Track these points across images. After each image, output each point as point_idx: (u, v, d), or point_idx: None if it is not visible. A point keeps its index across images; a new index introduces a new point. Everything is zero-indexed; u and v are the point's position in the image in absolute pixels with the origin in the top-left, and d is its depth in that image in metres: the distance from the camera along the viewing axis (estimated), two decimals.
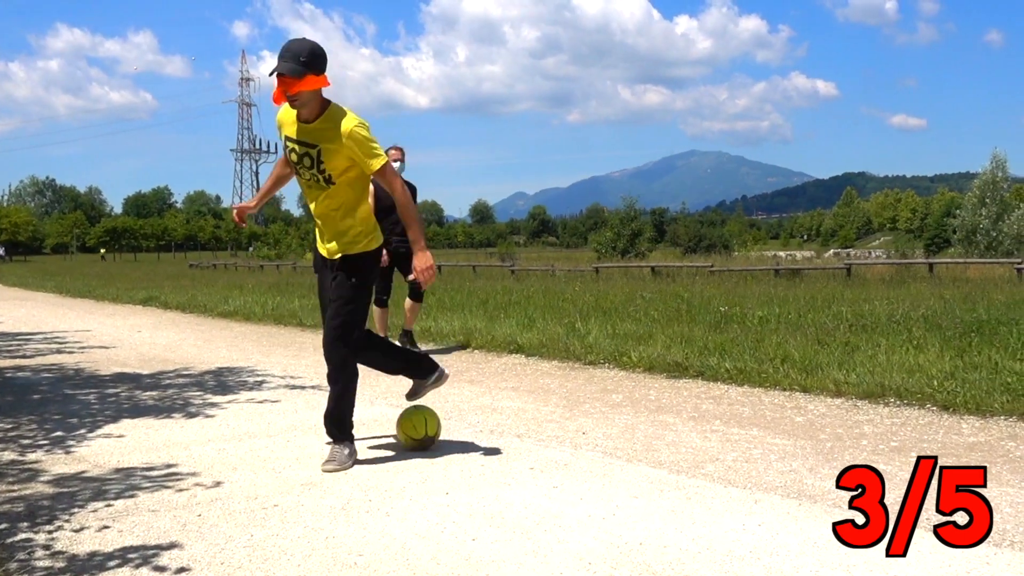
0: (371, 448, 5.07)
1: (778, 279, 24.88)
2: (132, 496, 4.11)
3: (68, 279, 29.96)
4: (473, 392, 6.88)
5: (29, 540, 3.50)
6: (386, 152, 7.57)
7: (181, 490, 4.22)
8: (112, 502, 4.01)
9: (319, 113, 4.41)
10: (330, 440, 4.77)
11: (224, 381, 7.52)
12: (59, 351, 9.87)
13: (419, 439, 4.98)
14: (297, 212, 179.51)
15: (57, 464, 4.76)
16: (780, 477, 4.31)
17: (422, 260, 4.57)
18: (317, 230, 4.73)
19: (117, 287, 22.63)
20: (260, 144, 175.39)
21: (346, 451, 4.64)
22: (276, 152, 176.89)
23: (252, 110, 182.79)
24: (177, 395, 6.87)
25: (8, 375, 8.06)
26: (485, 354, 9.14)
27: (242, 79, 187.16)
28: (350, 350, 4.67)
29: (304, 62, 4.24)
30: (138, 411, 6.25)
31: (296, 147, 4.48)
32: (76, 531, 3.61)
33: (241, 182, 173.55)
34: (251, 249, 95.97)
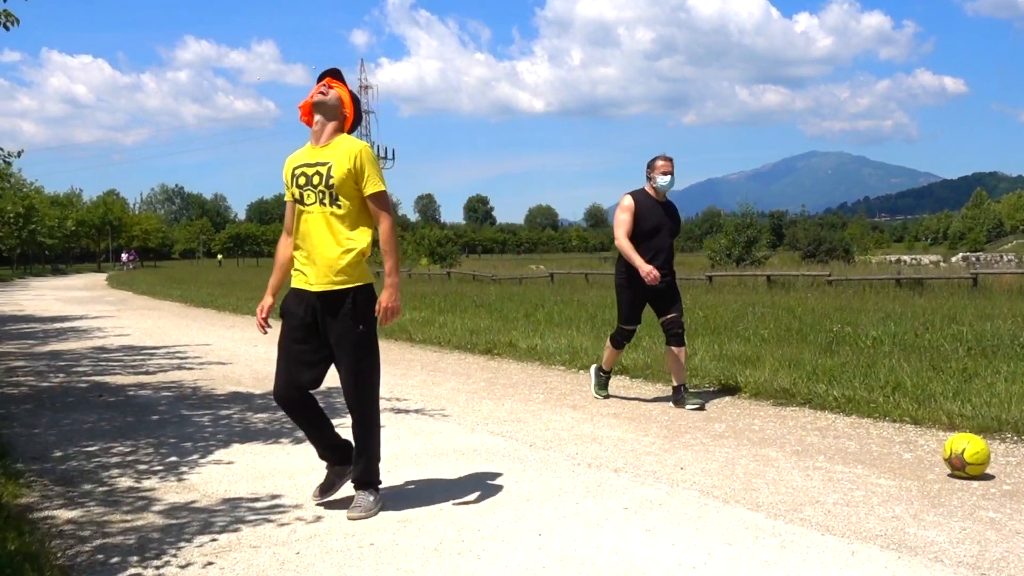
0: (468, 481, 5.12)
1: (899, 289, 24.13)
2: (236, 530, 4.25)
3: (192, 287, 31.04)
4: (575, 419, 6.89)
5: (137, 575, 3.67)
6: (655, 161, 7.29)
7: (283, 524, 4.35)
8: (217, 536, 4.16)
9: (334, 135, 4.49)
10: (356, 489, 4.60)
11: (331, 403, 7.68)
12: (179, 367, 10.25)
13: (947, 458, 5.06)
14: (413, 216, 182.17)
15: (170, 492, 4.96)
16: (881, 524, 4.20)
17: (388, 297, 4.44)
18: (305, 261, 4.47)
19: (237, 296, 23.33)
20: (379, 150, 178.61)
21: (372, 497, 4.52)
22: (394, 159, 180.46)
23: (371, 118, 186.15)
24: (285, 417, 7.05)
25: (131, 393, 8.42)
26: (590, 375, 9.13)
27: (361, 87, 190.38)
28: (375, 402, 4.65)
29: (342, 79, 4.61)
30: (248, 435, 6.46)
31: (306, 170, 4.44)
32: (182, 567, 3.77)
33: None
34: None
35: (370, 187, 4.40)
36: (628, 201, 7.15)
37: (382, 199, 4.46)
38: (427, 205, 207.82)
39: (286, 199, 4.67)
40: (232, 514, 4.53)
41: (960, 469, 4.97)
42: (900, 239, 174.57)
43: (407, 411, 7.28)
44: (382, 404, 7.52)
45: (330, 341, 4.42)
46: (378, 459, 4.66)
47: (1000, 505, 4.47)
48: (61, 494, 4.94)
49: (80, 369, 10.22)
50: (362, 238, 4.42)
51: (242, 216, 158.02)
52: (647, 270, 6.89)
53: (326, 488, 4.74)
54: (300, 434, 6.40)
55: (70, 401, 7.99)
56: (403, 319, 14.87)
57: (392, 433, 6.43)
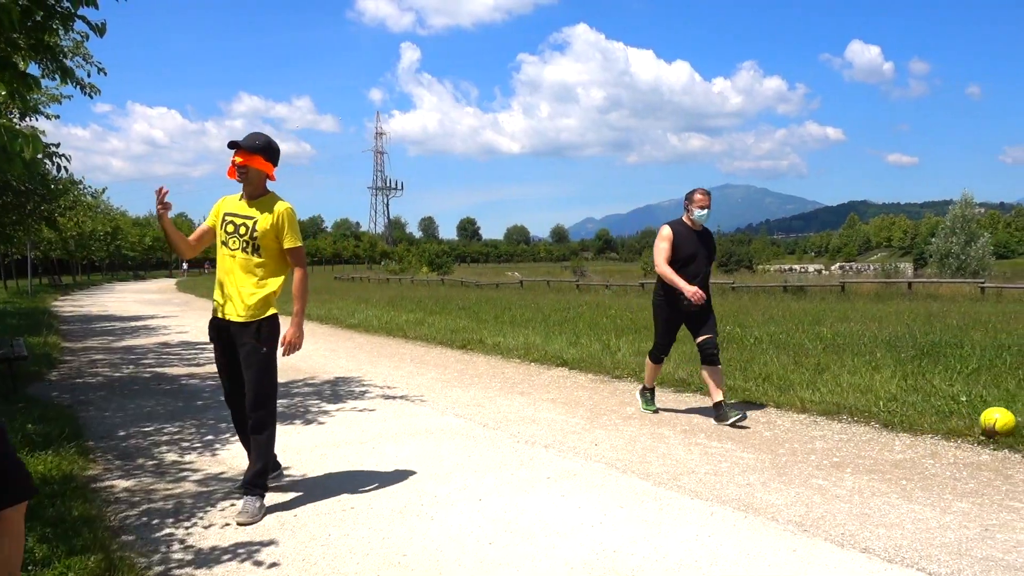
0: (433, 455, 5.20)
1: (785, 294, 24.37)
2: None
3: None
4: (521, 403, 6.98)
5: (171, 535, 3.74)
6: (693, 195, 6.27)
7: (286, 490, 4.43)
8: (236, 501, 4.23)
9: (262, 194, 4.20)
10: (245, 492, 4.09)
11: (337, 391, 7.76)
12: None
13: (984, 428, 5.18)
14: (418, 234, 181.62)
15: (205, 465, 5.03)
16: (738, 490, 4.32)
17: (291, 333, 4.21)
18: (224, 296, 4.17)
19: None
20: (390, 183, 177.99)
21: (257, 503, 4.03)
22: (403, 189, 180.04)
23: (385, 157, 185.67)
24: (301, 403, 7.12)
25: (183, 382, 8.44)
26: (538, 367, 9.21)
27: (377, 133, 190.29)
28: (271, 413, 4.23)
29: (258, 145, 4.11)
30: None
31: (235, 219, 4.13)
32: (206, 528, 3.85)
33: (376, 211, 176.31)
34: (382, 264, 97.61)
35: (287, 243, 4.15)
36: (667, 231, 6.25)
37: (297, 253, 4.20)
38: (428, 225, 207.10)
39: (206, 223, 4.31)
40: None
41: (992, 437, 5.13)
42: (792, 252, 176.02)
43: (394, 397, 7.34)
44: (376, 392, 7.66)
45: (240, 360, 4.13)
46: (270, 467, 4.25)
47: (828, 475, 4.60)
48: (120, 467, 5.00)
49: (146, 361, 10.20)
50: (274, 283, 4.19)
51: None
52: (692, 290, 5.98)
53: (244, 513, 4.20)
54: (310, 416, 6.50)
55: (135, 389, 8.01)
56: (400, 319, 14.90)
57: (379, 416, 6.50)
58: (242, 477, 4.66)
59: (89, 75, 9.27)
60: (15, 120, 14.31)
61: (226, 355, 4.23)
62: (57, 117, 15.65)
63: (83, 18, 6.60)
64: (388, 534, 3.71)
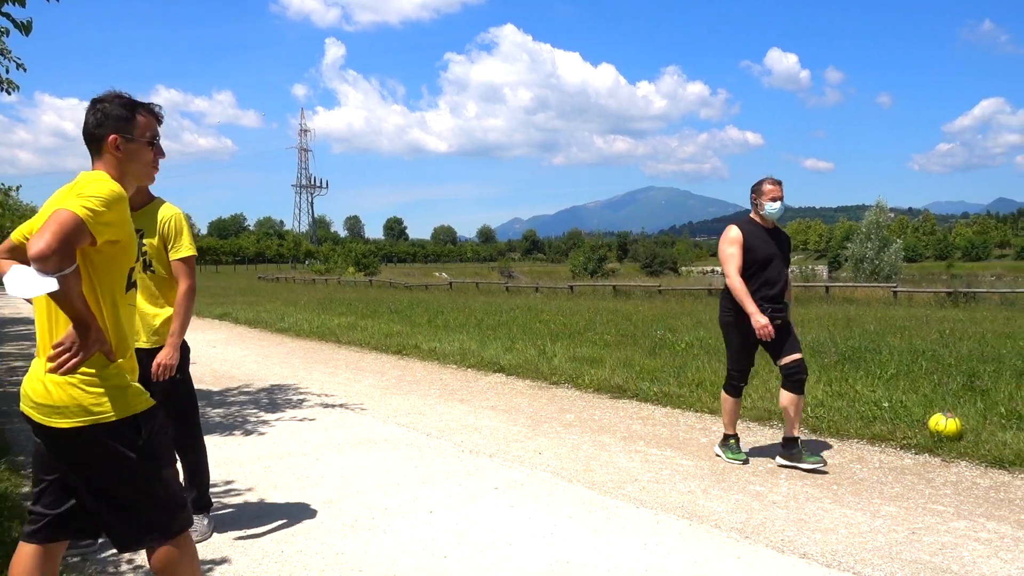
0: (379, 466, 5.21)
1: (710, 297, 25.04)
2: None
3: None
4: (462, 411, 7.03)
5: (116, 555, 3.66)
6: (761, 185, 5.17)
7: (234, 506, 4.39)
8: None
9: (144, 202, 3.70)
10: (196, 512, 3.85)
11: (274, 399, 7.66)
12: None
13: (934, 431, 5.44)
14: (343, 233, 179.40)
15: None
16: (680, 497, 4.48)
17: (164, 354, 3.62)
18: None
19: (199, 301, 22.68)
20: (315, 181, 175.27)
21: (205, 521, 3.92)
22: (328, 187, 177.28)
23: (309, 154, 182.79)
24: (238, 413, 7.01)
25: None
26: (475, 373, 9.28)
27: (301, 130, 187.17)
28: (198, 435, 4.03)
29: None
30: (208, 428, 6.35)
31: None
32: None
33: (300, 210, 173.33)
34: (307, 263, 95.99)
35: (175, 252, 3.71)
36: (735, 232, 5.16)
37: (187, 264, 3.72)
38: (354, 224, 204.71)
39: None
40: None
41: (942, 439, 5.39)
42: (715, 254, 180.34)
43: (333, 406, 7.30)
44: (314, 400, 7.60)
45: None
46: (208, 483, 4.05)
47: (764, 480, 4.80)
48: None
49: None
50: (170, 302, 3.77)
51: (204, 231, 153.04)
52: (762, 323, 4.86)
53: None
54: (249, 426, 6.42)
55: None
56: (331, 323, 14.76)
57: (320, 425, 6.46)
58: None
59: (8, 71, 8.93)
60: None
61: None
62: None
63: (7, 15, 6.38)
64: (342, 549, 3.72)
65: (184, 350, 3.85)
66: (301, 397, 7.74)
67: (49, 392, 2.27)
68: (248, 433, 6.19)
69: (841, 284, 25.83)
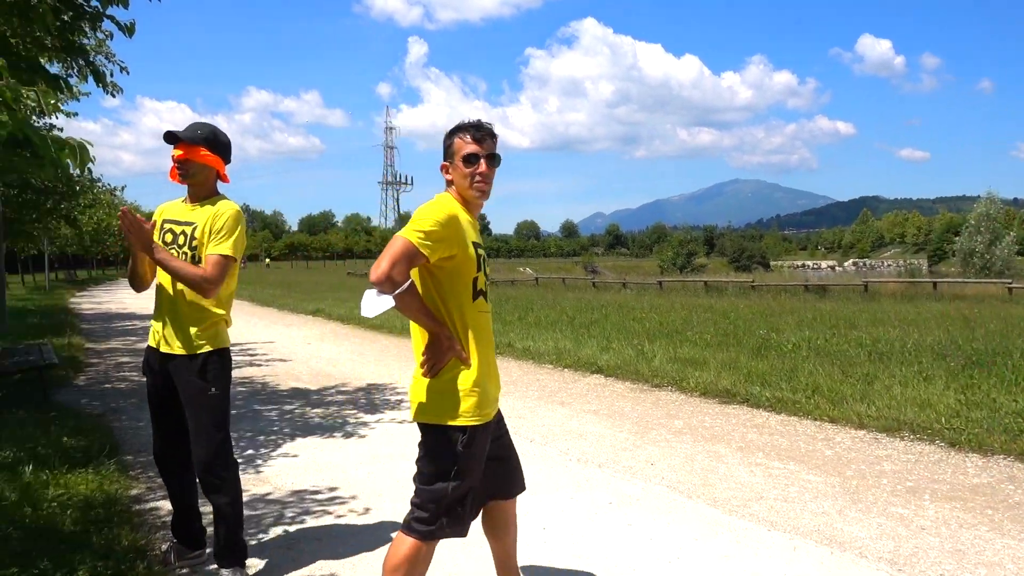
0: None
1: (807, 293, 24.11)
2: (302, 522, 4.13)
3: (257, 288, 30.55)
4: (563, 415, 6.76)
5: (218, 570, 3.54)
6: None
7: (340, 516, 4.23)
8: (288, 527, 4.04)
9: (209, 196, 3.39)
10: (220, 566, 3.39)
11: (372, 399, 7.56)
12: (251, 364, 10.09)
13: None
14: None
15: (249, 484, 4.80)
16: (814, 519, 4.10)
17: (149, 238, 3.23)
18: (162, 322, 3.35)
19: (294, 297, 23.13)
20: (400, 178, 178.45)
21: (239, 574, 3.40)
22: (413, 184, 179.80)
23: (394, 151, 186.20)
24: (337, 413, 6.92)
25: None
26: (573, 373, 9.00)
27: (386, 128, 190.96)
28: (229, 466, 3.40)
29: (202, 135, 3.30)
30: (308, 429, 6.31)
31: (174, 227, 3.34)
32: (262, 559, 3.65)
33: (386, 206, 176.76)
34: None
35: (212, 246, 3.25)
36: None
37: (218, 264, 3.22)
38: None
39: None
40: (299, 506, 4.41)
41: None
42: (804, 248, 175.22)
43: None
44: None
45: (182, 402, 3.33)
46: (241, 529, 3.45)
47: (906, 502, 4.37)
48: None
49: None
50: (221, 306, 3.37)
51: (295, 227, 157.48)
52: None
53: (166, 556, 3.57)
54: (349, 428, 6.31)
55: None
56: None
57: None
58: (288, 498, 4.50)
59: (112, 74, 9.12)
60: (34, 119, 14.18)
61: (160, 396, 3.41)
62: (75, 115, 15.49)
63: (112, 18, 6.42)
64: (455, 568, 3.50)
65: (225, 362, 3.38)
66: (398, 398, 7.61)
67: (415, 392, 2.63)
68: (348, 435, 6.07)
69: (951, 280, 24.45)
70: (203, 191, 3.38)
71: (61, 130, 16.65)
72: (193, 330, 3.28)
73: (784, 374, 7.91)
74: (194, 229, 3.29)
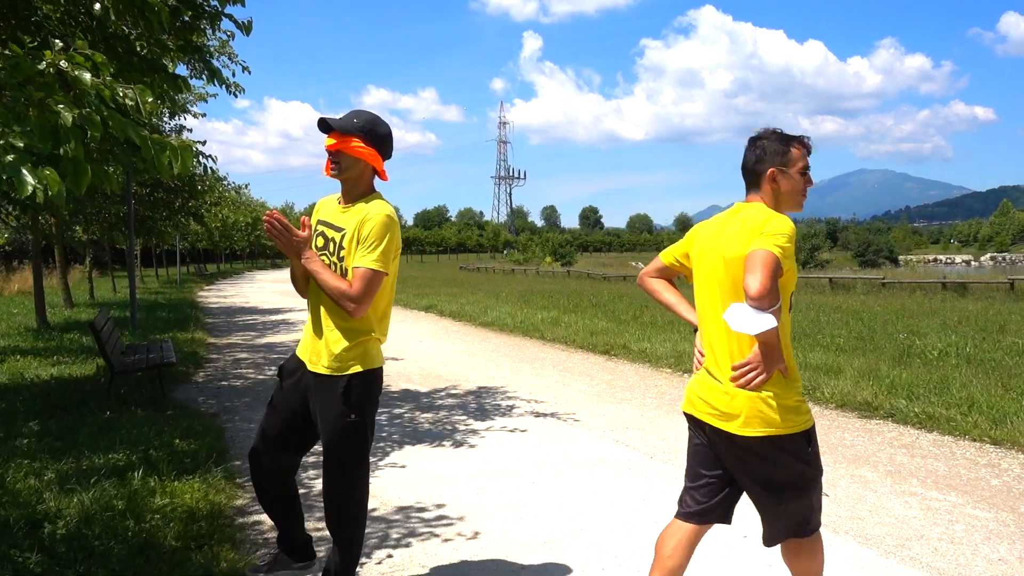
0: (602, 496, 4.60)
1: (945, 292, 22.44)
2: (408, 545, 3.86)
3: None
4: (685, 427, 6.27)
5: None
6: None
7: (447, 540, 3.94)
8: (392, 551, 3.78)
9: (363, 195, 2.95)
10: None
11: (483, 404, 7.29)
12: None
13: None
14: (540, 223, 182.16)
15: None
16: (991, 569, 3.51)
17: (305, 243, 2.93)
18: (309, 333, 3.04)
19: (407, 292, 23.30)
20: (513, 172, 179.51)
21: None
22: (525, 178, 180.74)
23: (507, 146, 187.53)
24: (447, 419, 6.68)
25: None
26: None
27: (500, 123, 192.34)
28: (362, 499, 3.08)
29: (358, 125, 2.88)
30: (417, 436, 6.09)
31: (326, 231, 2.97)
32: None
33: (499, 201, 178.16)
34: (505, 253, 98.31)
35: (358, 257, 2.83)
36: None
37: (364, 278, 2.79)
38: (550, 214, 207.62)
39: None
40: (405, 525, 4.15)
41: None
42: (936, 241, 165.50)
43: (544, 415, 6.79)
44: (523, 407, 7.15)
45: (318, 426, 3.00)
46: (357, 560, 3.14)
47: None
48: None
49: None
50: (373, 323, 2.94)
51: (411, 222, 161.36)
52: None
53: (269, 565, 3.39)
54: (459, 436, 6.05)
55: None
56: (535, 318, 14.40)
57: (532, 438, 5.96)
58: (394, 515, 4.25)
59: (234, 74, 9.25)
60: (164, 119, 14.70)
61: (289, 400, 3.07)
62: (203, 115, 15.97)
63: (230, 16, 6.37)
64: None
65: (372, 386, 2.99)
66: (510, 403, 7.31)
67: (733, 401, 2.50)
68: (458, 444, 5.81)
69: None
70: (357, 190, 2.96)
71: (191, 131, 17.21)
72: (339, 347, 2.90)
73: (933, 386, 7.14)
74: (343, 236, 2.90)
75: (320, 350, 2.94)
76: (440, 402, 7.43)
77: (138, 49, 5.70)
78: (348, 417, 2.91)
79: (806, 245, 39.85)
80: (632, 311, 15.41)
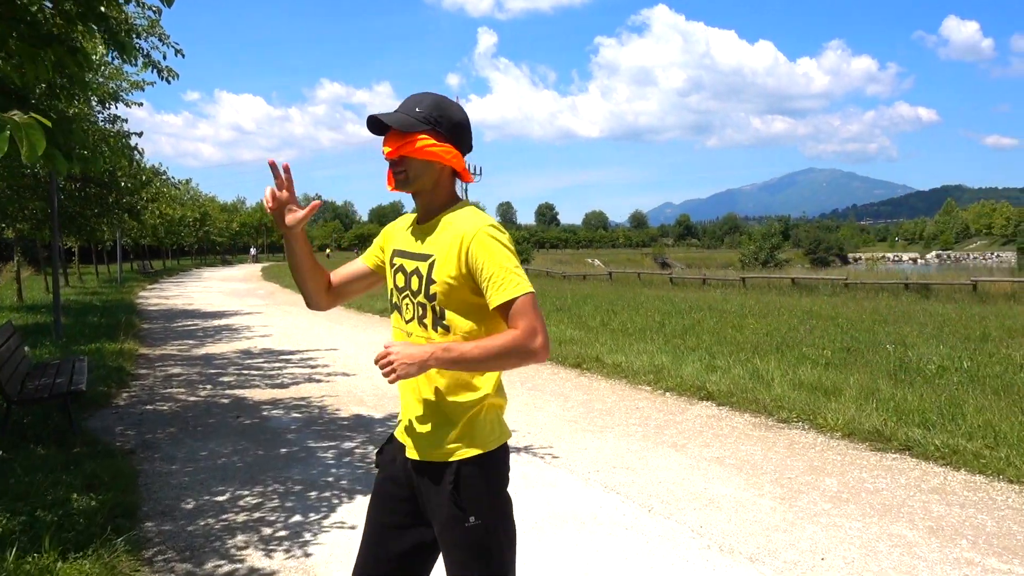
0: (600, 567, 3.74)
1: (908, 293, 22.17)
2: None
3: None
4: (680, 465, 5.46)
5: None
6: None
7: None
8: None
9: (443, 206, 2.16)
10: None
11: None
12: (309, 378, 9.03)
13: None
14: (496, 219, 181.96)
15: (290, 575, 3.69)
16: None
17: (406, 351, 1.96)
18: (402, 407, 2.18)
19: (361, 296, 22.20)
20: (468, 168, 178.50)
21: None
22: (481, 174, 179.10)
23: None
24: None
25: (264, 413, 7.21)
26: (676, 399, 7.67)
27: None
28: None
29: (422, 114, 2.08)
30: (370, 481, 5.14)
31: (406, 263, 2.16)
32: None
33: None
34: None
35: (495, 296, 2.00)
36: None
37: (523, 309, 1.98)
38: (506, 210, 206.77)
39: (364, 258, 2.36)
40: None
41: None
42: (884, 239, 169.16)
43: (517, 449, 5.89)
44: None
45: (432, 527, 2.11)
46: None
47: None
48: (183, 573, 3.71)
49: (225, 379, 9.05)
50: (486, 383, 2.09)
51: (365, 218, 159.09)
52: None
53: None
54: None
55: (211, 424, 6.78)
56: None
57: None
58: None
59: (165, 57, 8.14)
60: (95, 107, 13.43)
61: (388, 505, 2.19)
62: (140, 104, 14.72)
63: None
64: None
65: (493, 474, 2.08)
66: None
67: None
68: None
69: None
70: (436, 201, 2.15)
71: (126, 121, 15.96)
72: (438, 423, 2.07)
73: (944, 410, 6.43)
74: (431, 265, 2.08)
75: (415, 426, 2.10)
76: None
77: (35, 16, 4.66)
78: (466, 522, 2.02)
79: (766, 244, 39.68)
80: (599, 316, 14.62)
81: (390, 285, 2.22)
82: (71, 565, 3.57)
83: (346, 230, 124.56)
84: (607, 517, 4.43)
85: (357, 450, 5.92)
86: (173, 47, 8.22)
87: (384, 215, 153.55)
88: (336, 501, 4.74)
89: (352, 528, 4.29)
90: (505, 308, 1.99)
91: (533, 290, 2.03)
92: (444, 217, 2.11)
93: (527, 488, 4.94)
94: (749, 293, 22.81)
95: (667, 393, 7.94)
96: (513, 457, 5.45)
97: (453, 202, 2.16)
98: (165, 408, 7.43)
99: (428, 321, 2.08)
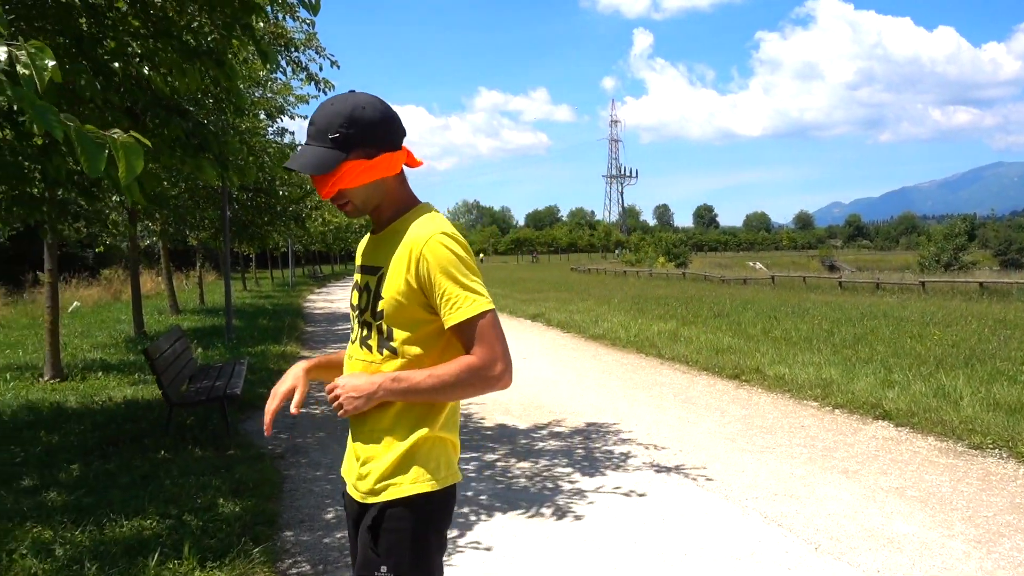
0: None
1: None
2: None
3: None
4: (852, 493, 4.87)
5: None
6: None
7: None
8: None
9: (397, 212, 1.92)
10: None
11: (591, 450, 6.06)
12: None
13: None
14: (652, 222, 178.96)
15: None
16: None
17: (355, 385, 1.80)
18: (351, 436, 1.98)
19: (514, 298, 22.27)
20: (625, 171, 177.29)
21: None
22: (637, 177, 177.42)
23: (619, 145, 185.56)
24: (547, 471, 5.51)
25: None
26: (847, 417, 6.98)
27: (611, 121, 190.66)
28: None
29: (340, 139, 1.80)
30: (510, 497, 4.94)
31: (359, 277, 1.98)
32: None
33: (610, 200, 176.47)
34: (617, 253, 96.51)
35: (451, 312, 1.77)
36: None
37: (481, 332, 1.78)
38: (663, 212, 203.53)
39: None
40: None
41: None
42: None
43: (667, 469, 5.49)
44: (640, 454, 5.78)
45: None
46: None
47: None
48: None
49: None
50: (431, 415, 1.85)
51: (521, 223, 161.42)
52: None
53: None
54: (560, 500, 4.85)
55: None
56: (650, 330, 13.04)
57: (654, 509, 4.67)
58: None
59: (321, 68, 8.37)
60: (263, 120, 14.13)
61: (352, 535, 2.00)
62: (305, 118, 15.43)
63: None
64: None
65: (420, 523, 1.83)
66: (624, 449, 6.05)
67: None
68: (560, 514, 4.61)
69: None
70: (386, 211, 1.93)
71: (292, 133, 16.74)
72: (369, 458, 1.88)
73: None
74: (380, 278, 1.87)
75: (353, 461, 1.95)
76: (541, 444, 6.26)
77: (184, 31, 4.80)
78: (377, 570, 1.80)
79: (948, 245, 36.41)
80: (760, 323, 13.80)
81: (354, 300, 2.00)
82: (208, 574, 3.56)
83: (503, 235, 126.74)
84: (766, 554, 3.97)
85: (499, 463, 5.73)
86: (328, 58, 8.45)
87: (540, 219, 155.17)
88: (473, 518, 4.55)
89: (488, 550, 4.07)
90: (461, 329, 1.79)
91: (493, 307, 1.82)
92: (395, 225, 1.91)
93: (678, 515, 4.55)
94: (930, 299, 20.95)
95: (836, 410, 7.24)
96: (662, 480, 5.11)
97: (407, 206, 1.94)
98: (317, 412, 7.57)
99: (373, 343, 1.88)
